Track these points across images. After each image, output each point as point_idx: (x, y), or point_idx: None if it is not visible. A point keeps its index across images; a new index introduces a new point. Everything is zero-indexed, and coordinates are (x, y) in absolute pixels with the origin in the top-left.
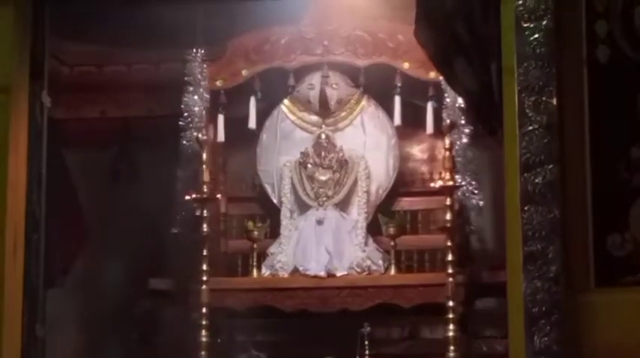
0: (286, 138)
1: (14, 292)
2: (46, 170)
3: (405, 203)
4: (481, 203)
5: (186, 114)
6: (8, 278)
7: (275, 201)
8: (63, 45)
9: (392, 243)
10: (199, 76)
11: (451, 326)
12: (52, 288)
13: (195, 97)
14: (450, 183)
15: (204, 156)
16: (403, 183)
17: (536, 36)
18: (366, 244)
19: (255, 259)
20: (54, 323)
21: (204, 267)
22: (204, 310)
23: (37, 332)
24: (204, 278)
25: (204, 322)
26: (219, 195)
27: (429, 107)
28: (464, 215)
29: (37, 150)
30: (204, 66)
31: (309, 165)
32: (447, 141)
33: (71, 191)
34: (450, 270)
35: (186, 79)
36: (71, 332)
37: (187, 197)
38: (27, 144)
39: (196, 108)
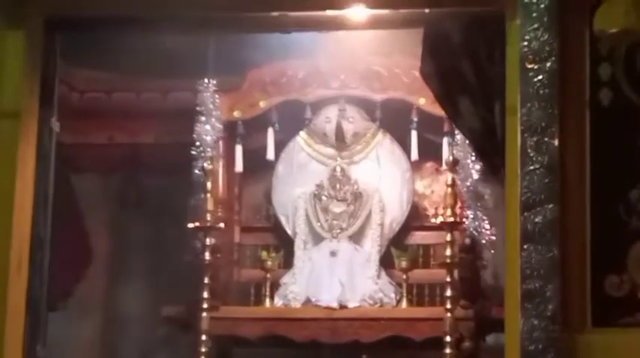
0: (302, 170)
1: (17, 312)
2: (53, 193)
3: (418, 237)
4: (493, 238)
5: (197, 143)
6: (12, 298)
7: (289, 231)
8: (73, 71)
9: (404, 277)
10: (211, 106)
11: None
12: (55, 311)
13: (207, 127)
14: (451, 219)
15: (209, 184)
16: (416, 217)
17: (540, 77)
18: (378, 277)
19: (268, 289)
20: (55, 346)
21: (206, 295)
22: (204, 337)
23: (38, 354)
24: (205, 305)
25: (203, 349)
26: (222, 224)
27: (445, 142)
28: (476, 250)
29: (44, 172)
30: (217, 96)
31: (324, 197)
32: (449, 178)
33: (77, 215)
34: (448, 305)
35: (198, 108)
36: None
37: (190, 225)
38: (34, 167)
39: (208, 138)
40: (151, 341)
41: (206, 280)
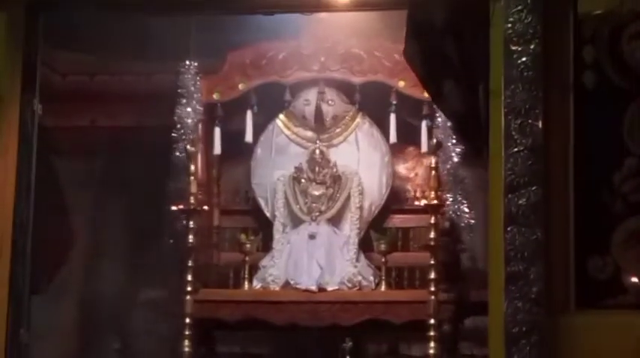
0: (281, 153)
1: (0, 296)
2: (35, 176)
3: (397, 220)
4: (472, 221)
5: (178, 126)
6: None
7: (268, 214)
8: (55, 53)
9: (383, 260)
10: (192, 88)
11: (432, 344)
12: (37, 294)
13: (189, 109)
14: (435, 201)
15: (192, 167)
16: (395, 200)
17: (524, 59)
18: (357, 260)
19: (247, 272)
20: (38, 330)
21: (190, 278)
22: (187, 320)
23: (21, 338)
24: (189, 288)
25: (187, 332)
26: (205, 207)
27: (423, 126)
28: (455, 233)
29: (26, 156)
30: (198, 78)
31: (303, 180)
32: (433, 161)
33: (59, 199)
34: (432, 288)
35: (179, 91)
36: (55, 340)
37: (174, 207)
38: (17, 150)
39: (189, 121)
40: (132, 324)
41: (190, 263)
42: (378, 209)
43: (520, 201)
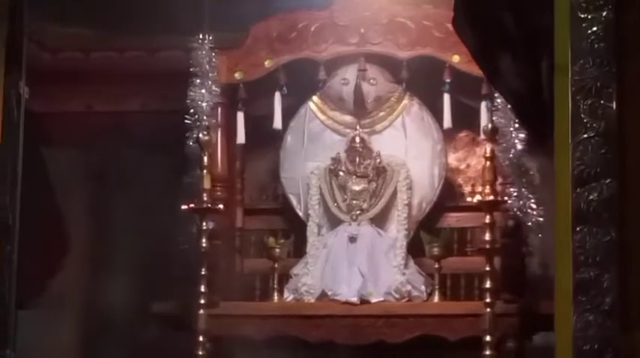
0: (315, 141)
1: None
2: (21, 171)
3: (452, 219)
4: (540, 219)
5: (192, 110)
6: None
7: (301, 214)
8: (45, 27)
9: (436, 266)
10: (208, 67)
11: None
12: (25, 309)
13: (203, 91)
14: (490, 197)
15: (206, 159)
16: (450, 196)
17: (595, 29)
18: (405, 266)
19: (276, 281)
20: (26, 351)
21: (203, 289)
22: (200, 338)
23: None
24: (203, 301)
25: (200, 352)
26: (221, 206)
27: (483, 108)
28: (520, 234)
29: (11, 147)
30: (214, 55)
31: (341, 173)
32: (488, 149)
33: (51, 197)
34: (487, 299)
35: (192, 69)
36: None
37: (184, 207)
38: (0, 140)
39: (204, 104)
40: (139, 343)
41: (203, 271)
42: (430, 206)
43: (591, 197)
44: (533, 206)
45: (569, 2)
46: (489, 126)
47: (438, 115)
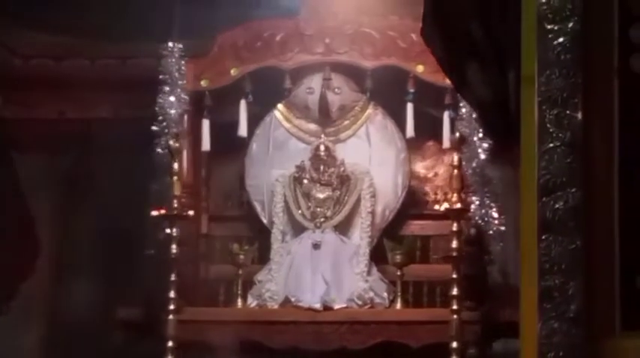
0: (280, 149)
1: None
2: None
3: (415, 227)
4: (502, 228)
5: (161, 117)
6: None
7: (265, 221)
8: (15, 32)
9: (399, 273)
10: (177, 74)
11: None
12: None
13: (172, 99)
14: (458, 205)
15: (176, 166)
16: (413, 203)
17: (561, 40)
18: (368, 273)
19: (240, 287)
20: None
21: (172, 295)
22: (170, 344)
23: None
24: (172, 307)
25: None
26: (191, 212)
27: (446, 117)
28: (481, 242)
29: None
30: (183, 62)
31: (306, 181)
32: (456, 158)
33: (21, 202)
34: (454, 306)
35: (161, 77)
36: None
37: (154, 213)
38: None
39: (173, 112)
40: (106, 349)
41: (173, 277)
42: (393, 214)
43: (556, 205)
44: (495, 215)
45: (536, 13)
46: (456, 135)
47: (401, 124)
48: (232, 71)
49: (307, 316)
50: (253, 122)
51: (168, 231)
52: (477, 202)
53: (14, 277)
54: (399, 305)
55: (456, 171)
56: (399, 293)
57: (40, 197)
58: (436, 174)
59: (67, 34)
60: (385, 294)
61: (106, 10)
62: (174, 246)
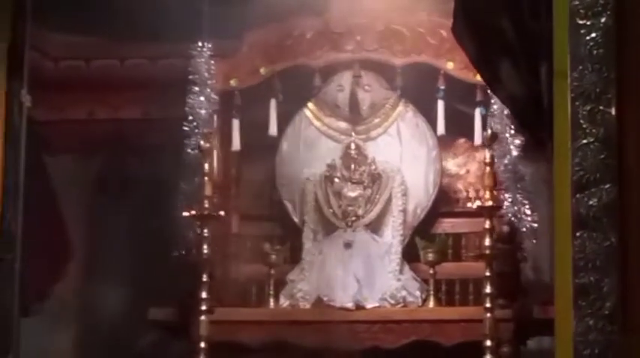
0: (310, 148)
1: None
2: (24, 179)
3: (447, 225)
4: (535, 226)
5: (190, 117)
6: None
7: (296, 220)
8: (46, 35)
9: (431, 271)
10: (206, 74)
11: None
12: (28, 317)
13: (202, 99)
14: (490, 203)
15: (207, 166)
16: (444, 201)
17: (594, 35)
18: (401, 272)
19: (272, 287)
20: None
21: (204, 295)
22: (202, 345)
23: None
24: (204, 307)
25: None
26: (222, 212)
27: (477, 114)
28: (515, 240)
29: (14, 156)
30: (212, 62)
31: (337, 180)
32: (488, 155)
33: (53, 204)
34: (488, 304)
35: (191, 77)
36: None
37: (185, 213)
38: (2, 148)
39: (203, 112)
40: (138, 350)
41: (205, 278)
42: (425, 212)
43: (590, 202)
44: (527, 212)
45: (568, 8)
46: (489, 132)
47: (432, 122)
48: (262, 70)
49: (340, 315)
50: (283, 121)
51: (199, 231)
52: (510, 199)
53: (47, 279)
54: (431, 304)
55: (488, 168)
56: (432, 292)
57: (71, 198)
58: (468, 172)
59: (97, 35)
60: (418, 293)
61: (135, 9)
62: (205, 247)
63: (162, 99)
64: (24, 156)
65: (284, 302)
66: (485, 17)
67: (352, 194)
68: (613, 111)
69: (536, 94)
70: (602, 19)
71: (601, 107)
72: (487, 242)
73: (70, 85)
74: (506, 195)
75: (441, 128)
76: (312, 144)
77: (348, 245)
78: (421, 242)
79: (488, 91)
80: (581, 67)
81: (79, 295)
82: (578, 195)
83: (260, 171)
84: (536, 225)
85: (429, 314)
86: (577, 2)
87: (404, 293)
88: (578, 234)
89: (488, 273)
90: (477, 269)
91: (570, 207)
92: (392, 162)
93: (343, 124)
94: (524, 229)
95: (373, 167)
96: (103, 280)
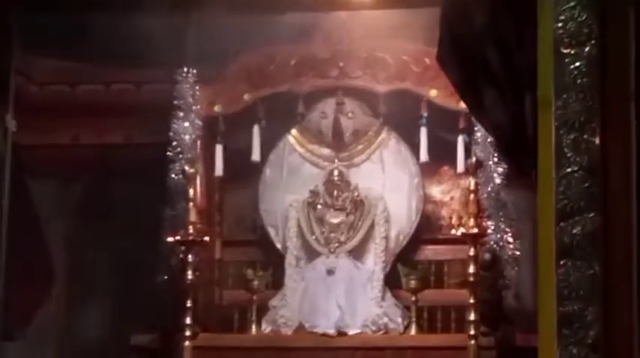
0: (293, 174)
1: None
2: (8, 203)
3: (429, 252)
4: (517, 253)
5: (175, 143)
6: None
7: (279, 246)
8: (31, 60)
9: (413, 298)
10: (191, 100)
11: None
12: (11, 341)
13: (186, 124)
14: (474, 230)
15: (191, 192)
16: (427, 229)
17: (578, 64)
18: (383, 298)
19: (254, 313)
20: None
21: (188, 321)
22: None
23: None
24: (187, 333)
25: None
26: (206, 238)
27: (460, 141)
28: (497, 267)
29: None
30: (197, 88)
31: (320, 206)
32: (472, 182)
33: (37, 228)
34: (471, 331)
35: (175, 102)
36: None
37: (170, 239)
38: None
39: (187, 137)
40: None
41: (189, 303)
42: (407, 239)
43: (574, 231)
44: (509, 240)
45: (552, 38)
46: (473, 159)
47: (415, 149)
48: (245, 96)
49: (322, 342)
50: (267, 147)
51: (182, 256)
52: (492, 227)
53: (29, 303)
54: (413, 331)
55: (472, 195)
56: (414, 319)
57: (53, 223)
58: (452, 199)
59: (82, 61)
60: (399, 320)
61: (120, 35)
62: (189, 272)
63: (147, 125)
64: (8, 180)
65: (266, 327)
66: (469, 45)
67: (335, 220)
68: (597, 140)
69: (521, 122)
70: (587, 49)
71: (585, 136)
72: (471, 269)
73: (54, 110)
74: (489, 223)
75: (423, 155)
76: (296, 170)
77: (330, 271)
78: (403, 269)
79: (472, 119)
80: (565, 96)
81: (62, 320)
82: (562, 224)
83: (243, 196)
84: (518, 252)
85: (411, 341)
86: (561, 31)
87: (385, 319)
88: (562, 262)
89: (472, 300)
90: (460, 297)
91: (554, 236)
92: (375, 189)
93: (326, 151)
94: (506, 257)
95: (356, 194)
96: (87, 305)
